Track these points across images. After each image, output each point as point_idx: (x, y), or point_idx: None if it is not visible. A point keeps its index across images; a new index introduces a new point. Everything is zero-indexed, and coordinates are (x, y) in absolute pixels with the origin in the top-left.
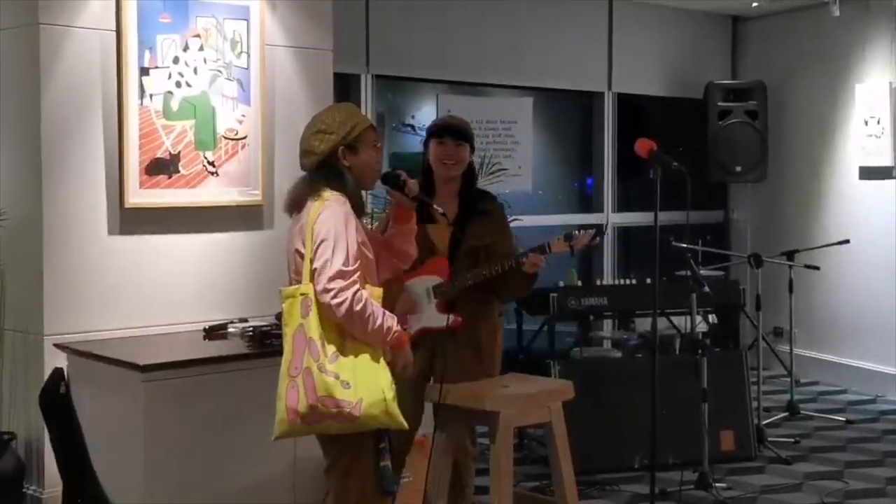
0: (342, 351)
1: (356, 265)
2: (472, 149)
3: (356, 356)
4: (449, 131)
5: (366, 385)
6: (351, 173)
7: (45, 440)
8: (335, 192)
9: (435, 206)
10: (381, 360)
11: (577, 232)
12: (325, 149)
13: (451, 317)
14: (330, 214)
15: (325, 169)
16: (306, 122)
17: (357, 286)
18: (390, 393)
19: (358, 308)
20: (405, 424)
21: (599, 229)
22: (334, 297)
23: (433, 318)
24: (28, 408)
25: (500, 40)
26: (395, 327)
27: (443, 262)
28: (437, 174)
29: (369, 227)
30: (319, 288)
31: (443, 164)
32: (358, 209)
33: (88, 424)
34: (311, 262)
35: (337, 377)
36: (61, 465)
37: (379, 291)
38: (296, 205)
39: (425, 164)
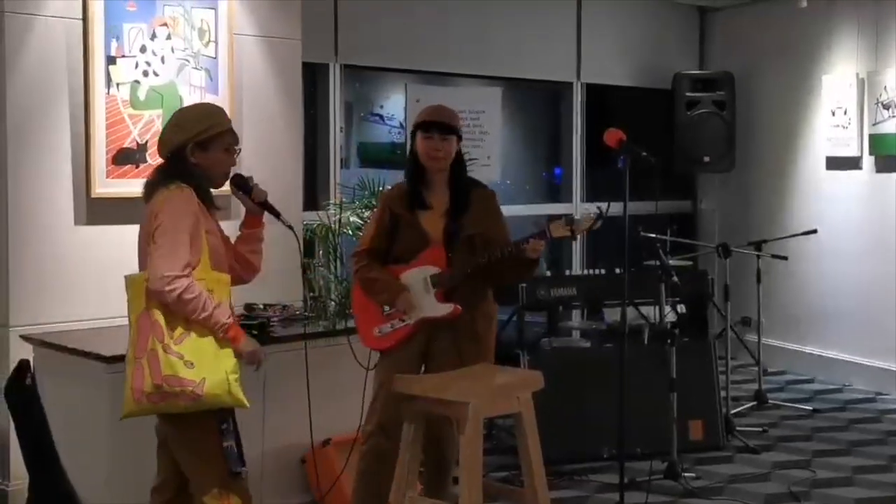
0: (187, 333)
1: (189, 259)
2: (460, 138)
3: (201, 338)
4: (436, 126)
5: (209, 366)
6: (199, 169)
7: (10, 432)
8: (183, 185)
9: (283, 218)
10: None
11: (577, 215)
12: (176, 142)
13: (452, 306)
14: (171, 206)
15: (173, 161)
16: (275, 112)
17: (189, 279)
18: (234, 374)
19: (188, 296)
20: (247, 404)
21: (601, 213)
22: (167, 285)
23: (433, 307)
24: None
25: (469, 30)
26: (224, 321)
27: (439, 251)
28: (426, 167)
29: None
30: (155, 275)
31: (431, 159)
32: (205, 201)
33: (54, 416)
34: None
35: (181, 357)
36: (27, 458)
37: (226, 278)
38: (148, 194)
39: (413, 155)
